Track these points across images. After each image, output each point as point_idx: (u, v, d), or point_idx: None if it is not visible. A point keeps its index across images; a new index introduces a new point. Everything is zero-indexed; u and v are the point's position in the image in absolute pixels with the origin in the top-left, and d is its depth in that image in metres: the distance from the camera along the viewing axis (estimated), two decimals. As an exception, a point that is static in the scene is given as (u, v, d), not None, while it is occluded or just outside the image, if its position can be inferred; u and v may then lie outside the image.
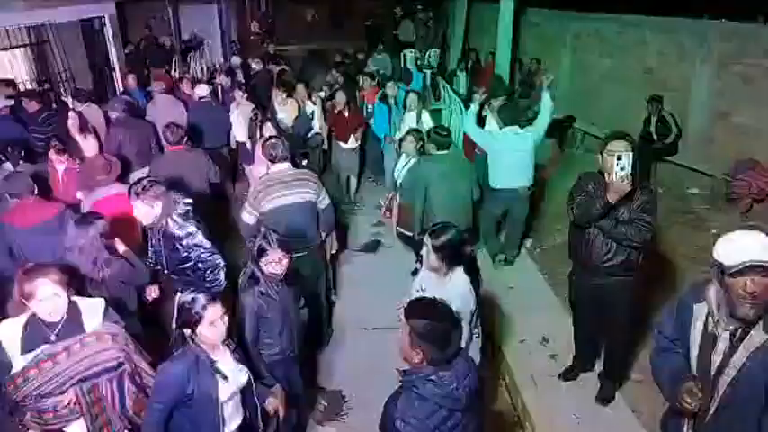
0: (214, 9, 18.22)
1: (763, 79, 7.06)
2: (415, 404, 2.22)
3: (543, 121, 5.77)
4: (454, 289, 3.13)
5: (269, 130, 6.09)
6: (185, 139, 5.67)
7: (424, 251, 3.24)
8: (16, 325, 2.79)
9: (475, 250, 3.33)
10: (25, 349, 2.74)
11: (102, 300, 3.00)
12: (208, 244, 3.93)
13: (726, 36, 7.63)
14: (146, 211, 3.86)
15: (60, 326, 2.79)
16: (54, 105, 7.35)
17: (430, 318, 2.27)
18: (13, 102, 7.04)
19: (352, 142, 7.62)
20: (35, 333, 2.77)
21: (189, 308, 2.67)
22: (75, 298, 2.89)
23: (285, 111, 7.53)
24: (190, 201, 4.02)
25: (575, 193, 3.81)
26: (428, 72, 13.25)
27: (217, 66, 14.80)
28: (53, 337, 2.77)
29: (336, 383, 4.67)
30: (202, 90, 7.40)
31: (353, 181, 8.07)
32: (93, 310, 2.89)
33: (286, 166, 4.55)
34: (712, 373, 2.44)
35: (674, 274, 5.54)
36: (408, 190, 5.45)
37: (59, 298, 2.77)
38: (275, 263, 3.25)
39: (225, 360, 2.79)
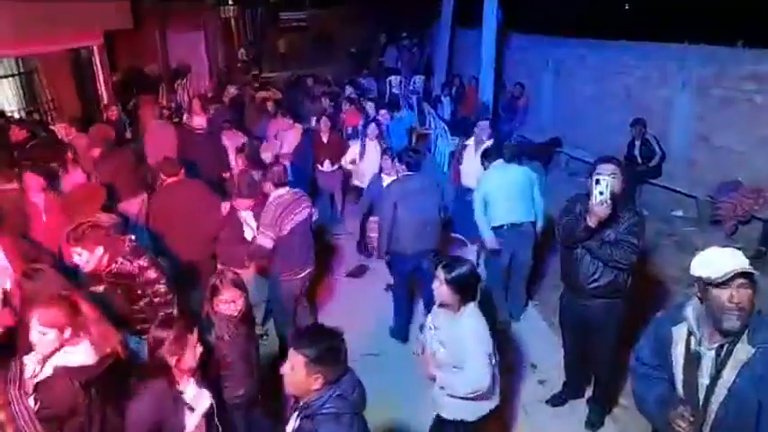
0: (201, 37, 18.39)
1: (742, 102, 7.20)
2: (334, 425, 2.22)
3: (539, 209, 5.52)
4: (468, 326, 3.03)
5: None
6: (182, 169, 5.53)
7: (435, 284, 3.09)
8: None
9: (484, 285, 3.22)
10: None
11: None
12: (163, 279, 3.72)
13: (705, 60, 7.80)
14: (87, 258, 3.59)
15: None
16: (43, 134, 7.30)
17: (320, 341, 2.28)
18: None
19: (328, 166, 7.68)
20: None
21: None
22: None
23: (288, 135, 7.81)
24: (133, 237, 3.86)
25: (563, 214, 3.84)
26: (414, 97, 13.44)
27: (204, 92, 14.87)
28: None
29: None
30: (201, 121, 7.42)
31: (337, 199, 8.11)
32: None
33: (286, 189, 4.74)
34: (701, 395, 2.42)
35: (660, 296, 5.57)
36: (379, 210, 5.38)
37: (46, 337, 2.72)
38: (228, 303, 3.15)
39: (189, 388, 2.75)
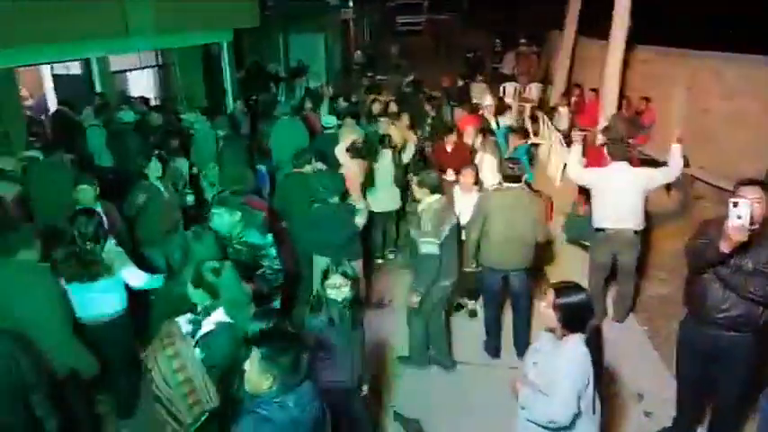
0: (321, 39, 19.06)
1: None
2: (259, 427, 2.22)
3: (670, 172, 5.34)
4: (567, 357, 2.83)
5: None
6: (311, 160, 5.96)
7: (543, 305, 2.97)
8: None
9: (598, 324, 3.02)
10: None
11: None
12: (278, 258, 4.33)
13: None
14: (225, 220, 4.21)
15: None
16: (175, 121, 7.90)
17: (278, 342, 2.34)
18: (140, 116, 7.67)
19: (451, 175, 7.29)
20: None
21: None
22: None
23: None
24: (264, 214, 4.44)
25: (696, 236, 3.59)
26: (528, 106, 13.14)
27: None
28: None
29: (415, 412, 4.53)
30: (330, 120, 7.64)
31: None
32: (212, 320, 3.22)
33: (439, 196, 4.68)
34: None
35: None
36: (468, 223, 5.21)
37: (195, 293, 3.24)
38: (335, 288, 3.36)
39: None
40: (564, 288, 2.91)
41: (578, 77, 13.68)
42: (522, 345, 5.20)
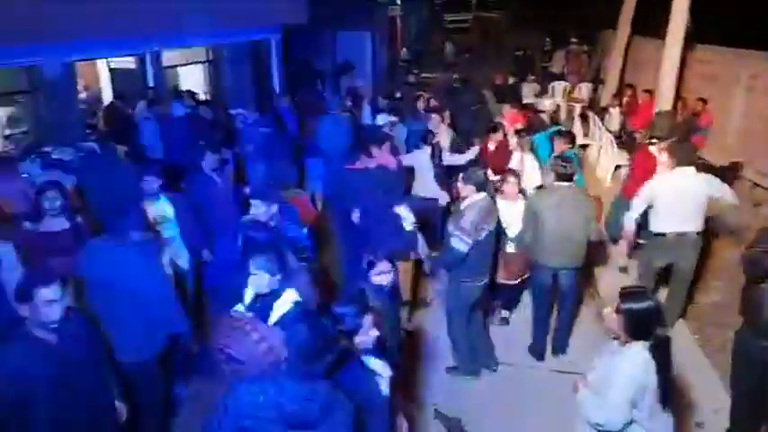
0: (368, 36, 19.09)
1: None
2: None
3: (728, 196, 5.20)
4: (626, 363, 2.75)
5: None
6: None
7: (606, 309, 2.90)
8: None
9: (666, 334, 2.82)
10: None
11: (293, 303, 3.30)
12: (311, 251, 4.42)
13: None
14: (262, 210, 4.31)
15: (259, 303, 3.24)
16: (223, 116, 8.06)
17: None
18: (190, 110, 7.86)
19: (491, 176, 7.28)
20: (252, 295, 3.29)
21: None
22: (285, 290, 3.30)
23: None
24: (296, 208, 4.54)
25: (754, 243, 3.45)
26: (577, 106, 12.86)
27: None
28: (257, 305, 3.25)
29: (457, 411, 4.48)
30: (383, 119, 7.66)
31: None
32: (281, 308, 3.23)
33: (484, 194, 4.60)
34: None
35: None
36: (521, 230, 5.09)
37: (262, 279, 3.23)
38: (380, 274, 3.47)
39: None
40: (631, 293, 2.83)
41: (631, 78, 13.30)
42: (561, 346, 5.15)
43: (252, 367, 2.92)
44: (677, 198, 5.00)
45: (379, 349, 3.01)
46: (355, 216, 5.37)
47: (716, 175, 5.40)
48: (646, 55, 12.52)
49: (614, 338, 2.91)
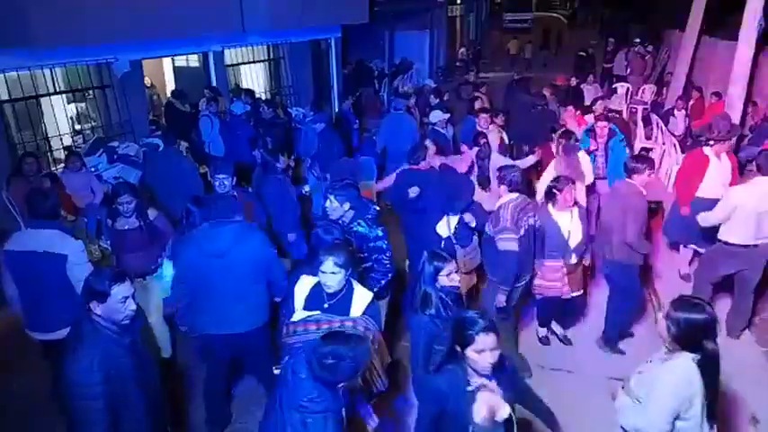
0: (426, 36, 19.05)
1: None
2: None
3: None
4: (671, 373, 2.66)
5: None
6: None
7: (660, 315, 2.80)
8: (310, 282, 3.39)
9: (716, 348, 2.67)
10: (305, 305, 3.32)
11: (372, 294, 3.41)
12: (389, 252, 4.21)
13: None
14: (335, 207, 4.22)
15: (333, 300, 3.28)
16: (282, 115, 8.20)
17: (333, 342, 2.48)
18: (249, 108, 8.05)
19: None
20: (316, 295, 3.33)
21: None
22: (354, 282, 3.37)
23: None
24: (377, 207, 4.33)
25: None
26: (640, 108, 12.45)
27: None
28: (325, 306, 3.27)
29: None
30: (435, 116, 7.59)
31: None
32: (362, 299, 3.33)
33: (519, 194, 4.54)
34: None
35: None
36: None
37: (338, 276, 3.23)
38: (449, 277, 3.32)
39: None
40: (686, 302, 2.71)
41: (698, 80, 12.77)
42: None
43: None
44: (757, 210, 4.74)
45: None
46: (413, 191, 5.36)
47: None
48: (715, 56, 11.98)
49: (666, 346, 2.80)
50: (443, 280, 3.29)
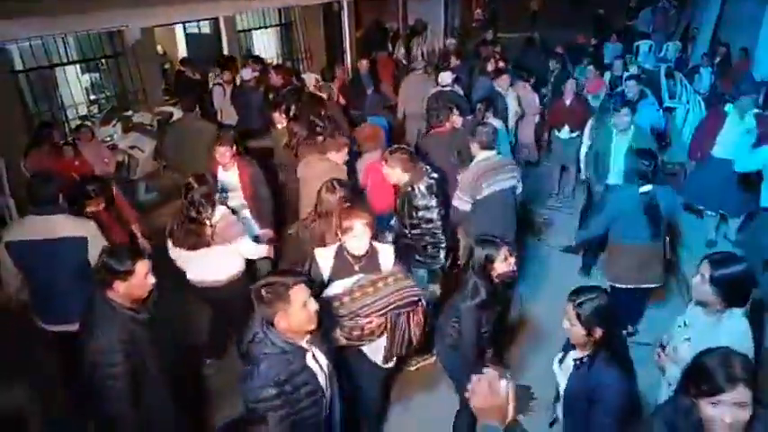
0: (441, -4, 18.56)
1: None
2: None
3: None
4: (727, 334, 2.59)
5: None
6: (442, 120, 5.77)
7: (696, 279, 2.70)
8: (330, 252, 3.36)
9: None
10: (334, 275, 3.29)
11: (392, 246, 3.52)
12: (439, 222, 4.17)
13: None
14: (389, 173, 4.22)
15: (363, 261, 3.30)
16: (294, 81, 8.04)
17: None
18: (258, 73, 7.91)
19: (566, 133, 7.08)
20: (342, 263, 3.32)
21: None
22: (372, 242, 3.37)
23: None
24: (436, 176, 4.25)
25: None
26: (663, 66, 12.08)
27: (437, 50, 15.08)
28: (357, 268, 3.28)
29: (527, 380, 4.37)
30: (446, 78, 7.32)
31: (567, 173, 7.53)
32: (386, 253, 3.41)
33: (493, 152, 4.56)
34: None
35: None
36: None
37: (367, 237, 3.26)
38: (506, 262, 3.21)
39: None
40: (721, 259, 2.65)
41: (725, 36, 12.31)
42: None
43: None
44: None
45: None
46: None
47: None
48: (743, 11, 11.50)
49: (700, 305, 2.74)
50: (500, 267, 3.20)
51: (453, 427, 3.58)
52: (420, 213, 4.15)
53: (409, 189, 4.16)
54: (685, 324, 2.83)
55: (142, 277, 2.76)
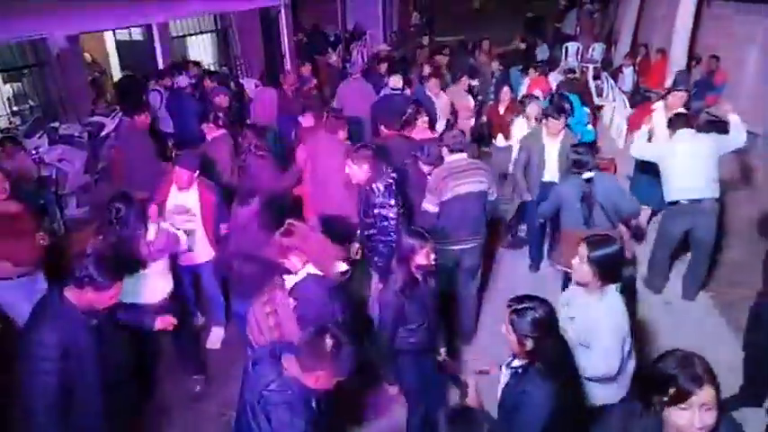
0: (379, 1, 18.74)
1: None
2: None
3: (737, 139, 4.99)
4: (606, 309, 2.80)
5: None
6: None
7: (575, 261, 2.88)
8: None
9: (635, 273, 2.93)
10: None
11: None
12: (394, 221, 4.22)
13: None
14: (354, 172, 4.25)
15: None
16: (231, 86, 7.97)
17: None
18: (195, 80, 7.81)
19: (501, 141, 6.87)
20: None
21: None
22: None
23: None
24: (395, 176, 4.30)
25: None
26: (591, 66, 12.63)
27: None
28: None
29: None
30: (396, 82, 7.30)
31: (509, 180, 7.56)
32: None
33: (464, 155, 4.56)
34: None
35: None
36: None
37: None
38: (427, 257, 3.22)
39: None
40: (597, 241, 2.88)
41: (644, 37, 12.98)
42: None
43: None
44: (684, 165, 4.88)
45: None
46: None
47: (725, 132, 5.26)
48: (660, 13, 12.16)
49: (579, 285, 2.95)
50: (420, 259, 3.21)
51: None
52: (376, 211, 4.20)
53: (368, 188, 4.22)
54: (568, 305, 3.00)
55: (110, 297, 2.79)
